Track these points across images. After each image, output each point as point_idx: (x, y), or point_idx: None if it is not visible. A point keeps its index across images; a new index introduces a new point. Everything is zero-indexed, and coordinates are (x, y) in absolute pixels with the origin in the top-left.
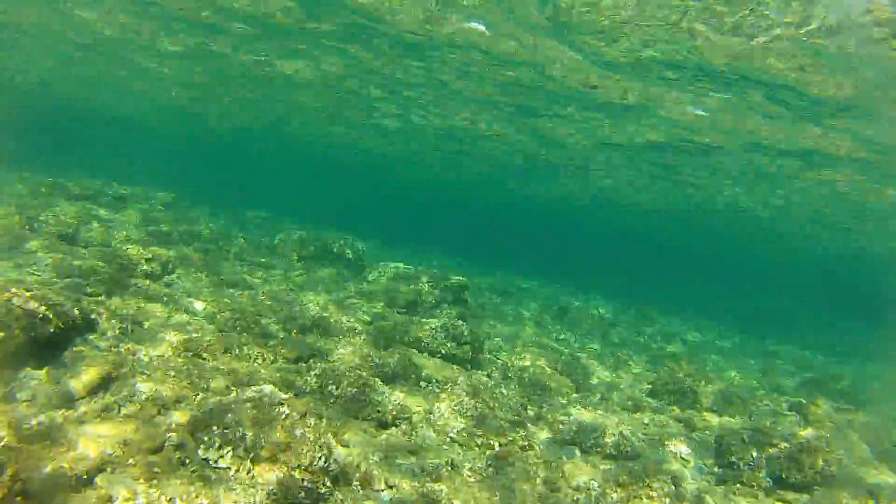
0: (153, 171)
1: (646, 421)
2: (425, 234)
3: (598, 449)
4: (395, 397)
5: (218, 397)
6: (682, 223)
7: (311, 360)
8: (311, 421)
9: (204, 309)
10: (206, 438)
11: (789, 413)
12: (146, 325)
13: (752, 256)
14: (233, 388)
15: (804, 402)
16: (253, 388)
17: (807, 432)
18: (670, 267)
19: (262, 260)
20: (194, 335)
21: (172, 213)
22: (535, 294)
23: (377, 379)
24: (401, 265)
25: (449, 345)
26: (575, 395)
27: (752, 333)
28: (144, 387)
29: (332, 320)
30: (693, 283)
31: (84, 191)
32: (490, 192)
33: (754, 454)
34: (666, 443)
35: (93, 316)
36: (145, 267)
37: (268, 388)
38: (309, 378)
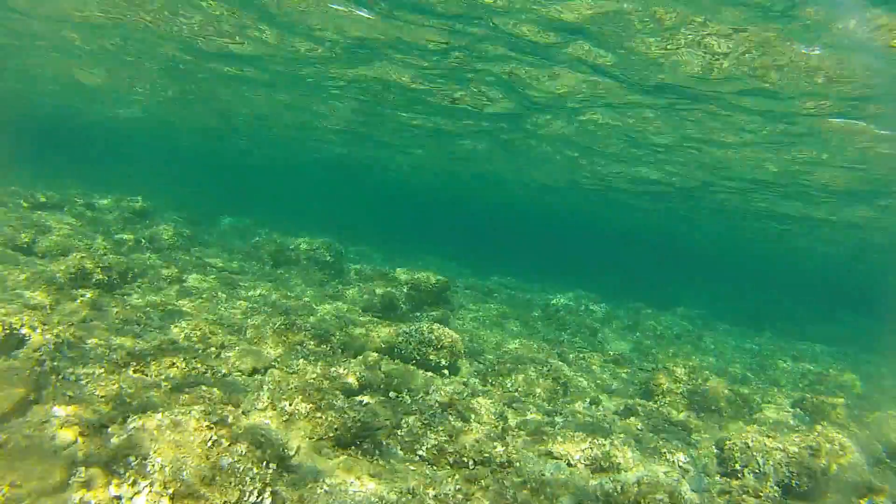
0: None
1: (640, 426)
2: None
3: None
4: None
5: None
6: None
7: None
8: None
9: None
10: None
11: (792, 409)
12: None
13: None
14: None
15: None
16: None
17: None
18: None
19: (234, 265)
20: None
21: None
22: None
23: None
24: (378, 267)
25: (425, 349)
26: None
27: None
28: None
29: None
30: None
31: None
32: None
33: (759, 461)
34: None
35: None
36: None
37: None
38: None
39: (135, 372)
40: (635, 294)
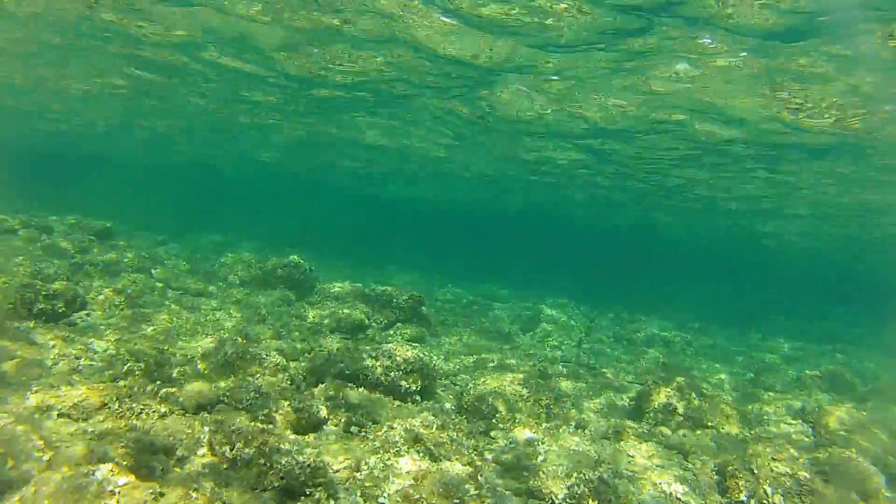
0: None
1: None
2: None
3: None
4: (307, 454)
5: None
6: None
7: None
8: None
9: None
10: None
11: (794, 422)
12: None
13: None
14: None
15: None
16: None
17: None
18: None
19: (198, 286)
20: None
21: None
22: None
23: (287, 430)
24: (347, 283)
25: (394, 374)
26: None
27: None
28: None
29: (248, 355)
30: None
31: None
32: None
33: (767, 490)
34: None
35: None
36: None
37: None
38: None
39: None
40: (612, 297)
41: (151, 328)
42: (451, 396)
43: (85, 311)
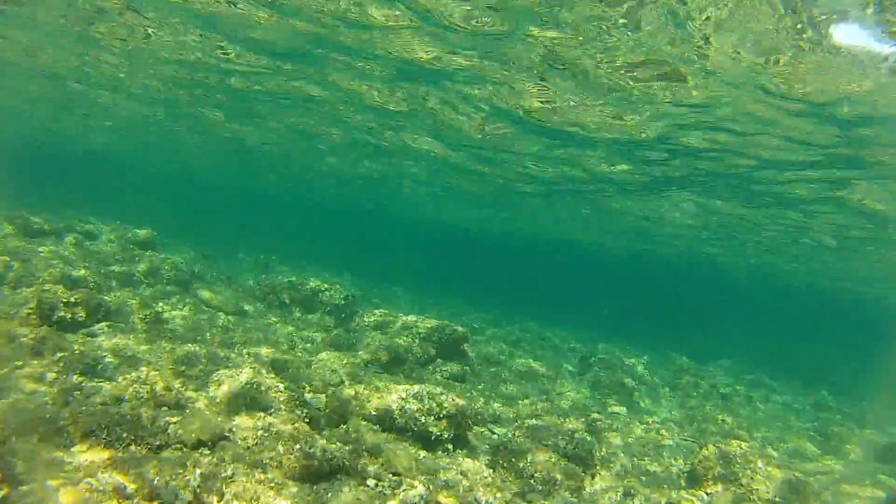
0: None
1: None
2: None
3: None
4: None
5: None
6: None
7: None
8: None
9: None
10: None
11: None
12: None
13: None
14: None
15: None
16: None
17: None
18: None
19: (232, 305)
20: None
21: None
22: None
23: (289, 480)
24: (385, 312)
25: (424, 420)
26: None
27: None
28: None
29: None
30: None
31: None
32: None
33: None
34: None
35: None
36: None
37: None
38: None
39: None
40: (672, 343)
41: (169, 347)
42: (486, 446)
43: (107, 323)
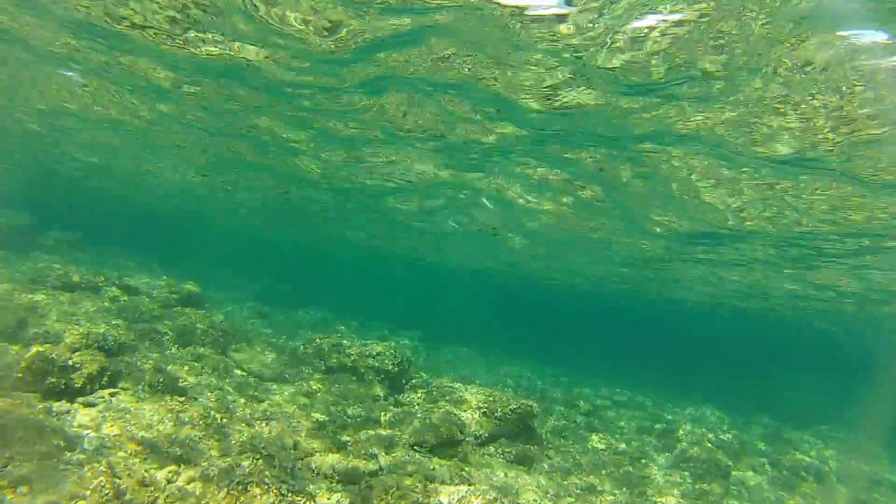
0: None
1: None
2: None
3: None
4: None
5: None
6: None
7: None
8: None
9: None
10: None
11: None
12: None
13: None
14: None
15: None
16: None
17: None
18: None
19: (269, 370)
20: None
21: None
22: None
23: None
24: (444, 380)
25: None
26: None
27: None
28: None
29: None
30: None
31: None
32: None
33: None
34: None
35: None
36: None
37: None
38: None
39: None
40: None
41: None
42: None
43: (111, 390)
